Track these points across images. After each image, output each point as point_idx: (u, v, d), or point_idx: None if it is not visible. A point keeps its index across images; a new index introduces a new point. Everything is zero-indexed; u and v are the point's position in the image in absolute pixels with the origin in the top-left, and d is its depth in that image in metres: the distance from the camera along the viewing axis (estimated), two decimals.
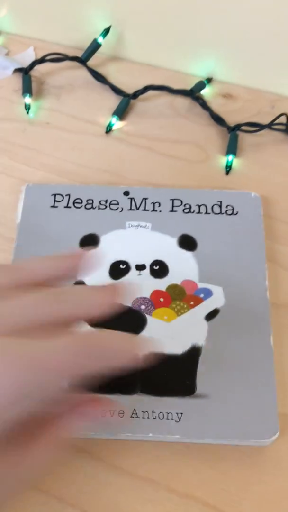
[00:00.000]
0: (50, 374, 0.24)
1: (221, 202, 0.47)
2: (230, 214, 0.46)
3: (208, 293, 0.42)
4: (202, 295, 0.42)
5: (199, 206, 0.47)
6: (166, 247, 0.44)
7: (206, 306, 0.41)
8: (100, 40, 0.56)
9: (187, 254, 0.44)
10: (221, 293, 0.42)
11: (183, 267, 0.43)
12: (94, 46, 0.56)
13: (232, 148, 0.52)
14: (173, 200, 0.47)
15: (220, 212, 0.46)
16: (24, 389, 0.23)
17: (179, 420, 0.37)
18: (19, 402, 0.24)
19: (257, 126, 0.53)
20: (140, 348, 0.27)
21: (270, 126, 0.53)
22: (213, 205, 0.47)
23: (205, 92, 0.57)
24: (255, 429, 0.37)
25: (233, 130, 0.53)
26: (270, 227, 0.48)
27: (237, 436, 0.37)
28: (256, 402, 0.38)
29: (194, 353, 0.39)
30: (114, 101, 0.56)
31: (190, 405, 0.37)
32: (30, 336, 0.25)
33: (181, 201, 0.47)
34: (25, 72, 0.56)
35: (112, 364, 0.26)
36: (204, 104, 0.55)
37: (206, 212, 0.46)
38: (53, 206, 0.46)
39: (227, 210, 0.46)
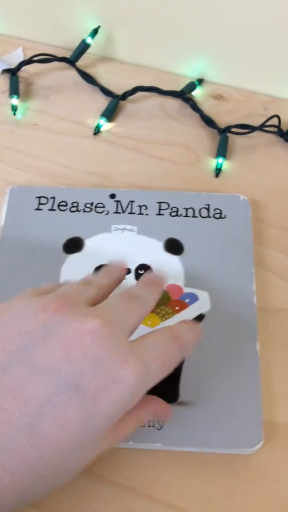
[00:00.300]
0: (165, 369, 0.31)
1: (209, 205, 0.46)
2: (218, 218, 0.45)
3: (193, 298, 0.41)
4: (187, 300, 0.41)
5: (187, 210, 0.46)
6: (152, 251, 0.44)
7: (191, 312, 0.41)
8: (89, 40, 0.55)
9: (174, 258, 0.43)
10: (207, 298, 0.41)
11: (169, 271, 0.42)
12: (83, 47, 0.55)
13: (222, 151, 0.51)
14: (160, 203, 0.46)
15: (208, 216, 0.45)
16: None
17: (161, 428, 0.36)
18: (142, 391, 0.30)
19: (248, 128, 0.52)
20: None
21: (261, 128, 0.52)
22: (201, 208, 0.46)
23: (196, 93, 0.56)
24: (239, 438, 0.36)
25: (224, 132, 0.52)
26: (259, 230, 0.47)
27: (221, 445, 0.36)
28: (241, 410, 0.37)
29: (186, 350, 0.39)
30: (103, 102, 0.55)
31: (172, 413, 0.36)
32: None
33: (168, 204, 0.46)
34: (12, 73, 0.55)
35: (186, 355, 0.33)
36: (194, 106, 0.54)
37: (194, 216, 0.45)
38: (38, 209, 0.46)
39: (215, 214, 0.46)
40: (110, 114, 0.53)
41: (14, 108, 0.53)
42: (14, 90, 0.54)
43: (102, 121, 0.53)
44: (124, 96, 0.54)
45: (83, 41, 0.55)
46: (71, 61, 0.56)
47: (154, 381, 0.30)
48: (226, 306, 0.41)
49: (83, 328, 0.28)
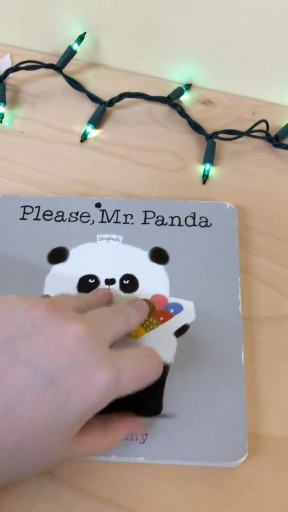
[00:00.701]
0: (138, 383, 0.32)
1: (194, 214, 0.46)
2: (204, 226, 0.45)
3: (178, 308, 0.41)
4: (172, 310, 0.41)
5: (172, 218, 0.45)
6: (137, 261, 0.43)
7: (176, 322, 0.40)
8: (75, 47, 0.55)
9: (159, 267, 0.43)
10: (191, 308, 0.41)
11: (154, 281, 0.42)
12: (69, 53, 0.55)
13: (209, 157, 0.51)
14: (145, 212, 0.46)
15: (194, 224, 0.45)
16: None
17: (144, 441, 0.36)
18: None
19: (235, 134, 0.52)
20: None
21: (248, 133, 0.52)
22: (187, 217, 0.45)
23: (184, 99, 0.56)
24: (224, 451, 0.36)
25: (210, 138, 0.52)
26: (246, 237, 0.47)
27: (205, 458, 0.36)
28: (225, 423, 0.37)
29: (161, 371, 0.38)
30: (91, 108, 0.55)
31: (156, 426, 0.36)
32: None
33: (154, 213, 0.46)
34: None
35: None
36: (182, 111, 0.54)
37: (179, 224, 0.45)
38: (22, 218, 0.45)
39: (200, 222, 0.45)
40: (97, 121, 0.53)
41: (1, 116, 0.53)
42: (0, 97, 0.53)
43: (89, 128, 0.53)
44: (111, 102, 0.54)
45: (70, 48, 0.55)
46: (58, 67, 0.55)
47: (125, 391, 0.32)
48: (211, 316, 0.41)
49: (67, 328, 0.31)
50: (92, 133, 0.53)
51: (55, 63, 0.56)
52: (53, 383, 0.29)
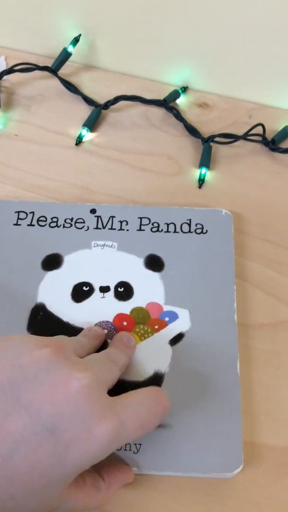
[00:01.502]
0: (142, 431, 0.32)
1: (190, 220, 0.45)
2: (200, 233, 0.44)
3: (173, 317, 0.40)
4: (167, 319, 0.40)
5: (168, 225, 0.45)
6: (132, 268, 0.43)
7: (171, 330, 0.40)
8: (70, 49, 0.54)
9: (154, 275, 0.42)
10: (187, 316, 0.40)
11: (149, 289, 0.42)
12: (64, 55, 0.54)
13: (205, 161, 0.50)
14: (141, 218, 0.45)
15: (189, 231, 0.45)
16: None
17: (138, 451, 0.36)
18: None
19: (231, 137, 0.51)
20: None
21: (245, 137, 0.51)
22: (182, 223, 0.45)
23: (181, 102, 0.55)
24: (219, 462, 0.35)
25: (207, 142, 0.51)
26: (242, 243, 0.46)
27: (199, 469, 0.35)
28: (220, 433, 0.36)
29: (156, 380, 0.38)
30: (86, 111, 0.54)
31: (150, 436, 0.36)
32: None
33: (149, 220, 0.45)
34: None
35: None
36: (178, 115, 0.53)
37: (175, 231, 0.45)
38: (16, 224, 0.45)
39: (196, 229, 0.45)
40: (92, 124, 0.53)
41: None
42: None
43: (84, 131, 0.52)
44: (107, 105, 0.53)
45: (64, 50, 0.54)
46: (53, 70, 0.55)
47: (127, 440, 0.31)
48: (207, 324, 0.40)
49: (74, 375, 0.30)
50: (87, 136, 0.53)
51: (50, 65, 0.55)
52: (53, 433, 0.28)
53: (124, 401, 0.31)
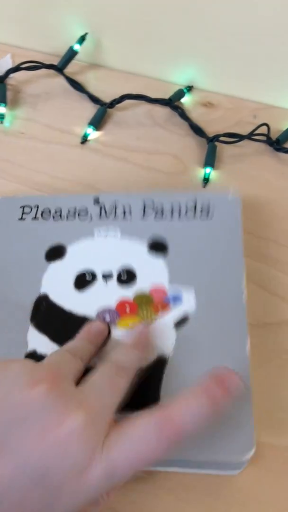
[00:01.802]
0: (140, 466, 0.29)
1: (195, 204, 0.45)
2: (206, 217, 0.44)
3: (177, 300, 0.41)
4: (171, 302, 0.40)
5: (172, 210, 0.45)
6: (135, 253, 0.43)
7: (175, 314, 0.40)
8: (77, 47, 0.55)
9: (158, 259, 0.43)
10: (192, 298, 0.40)
11: (153, 273, 0.42)
12: (70, 54, 0.55)
13: (209, 160, 0.50)
14: (144, 203, 0.45)
15: (194, 216, 0.44)
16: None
17: None
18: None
19: (236, 137, 0.52)
20: None
21: (250, 137, 0.52)
22: (187, 207, 0.45)
23: (185, 101, 0.56)
24: (228, 448, 0.34)
25: (211, 141, 0.51)
26: (246, 242, 0.46)
27: (206, 466, 0.35)
28: (230, 418, 0.35)
29: (159, 365, 0.38)
30: (92, 110, 0.54)
31: None
32: None
33: (153, 204, 0.45)
34: (0, 80, 0.54)
35: None
36: (183, 114, 0.54)
37: (179, 216, 0.45)
38: (21, 219, 0.45)
39: (201, 213, 0.44)
40: (97, 122, 0.53)
41: (1, 117, 0.53)
42: (1, 98, 0.53)
43: (90, 130, 0.52)
44: (112, 104, 0.53)
45: (71, 48, 0.55)
46: (59, 68, 0.55)
47: (124, 478, 0.29)
48: (214, 306, 0.40)
49: (66, 415, 0.28)
50: (93, 134, 0.53)
51: (56, 63, 0.55)
52: (42, 478, 0.27)
53: (120, 436, 0.29)
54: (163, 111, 0.55)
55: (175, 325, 0.39)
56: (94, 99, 0.54)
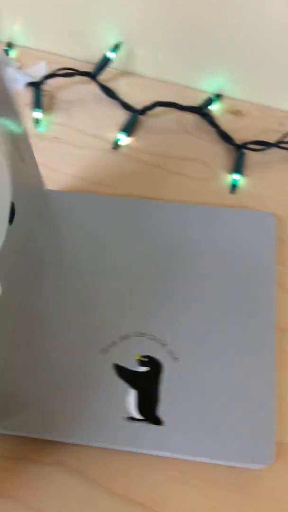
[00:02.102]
0: None
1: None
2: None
3: None
4: None
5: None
6: None
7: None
8: (111, 55, 0.56)
9: None
10: None
11: None
12: (105, 62, 0.56)
13: (238, 167, 0.52)
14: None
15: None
16: None
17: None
18: None
19: (264, 145, 0.53)
20: None
21: (277, 145, 0.53)
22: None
23: (214, 108, 0.57)
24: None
25: (240, 148, 0.53)
26: (278, 250, 0.48)
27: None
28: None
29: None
30: (123, 116, 0.56)
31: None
32: None
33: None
34: (36, 86, 0.56)
35: None
36: (212, 121, 0.55)
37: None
38: None
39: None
40: (129, 129, 0.55)
41: (37, 122, 0.55)
42: (37, 103, 0.55)
43: (122, 136, 0.54)
44: (144, 111, 0.55)
45: (105, 56, 0.56)
46: (93, 75, 0.57)
47: None
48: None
49: None
50: (124, 140, 0.55)
51: (87, 69, 0.57)
52: None
53: None
54: (192, 118, 0.56)
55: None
56: (126, 106, 0.56)
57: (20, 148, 0.41)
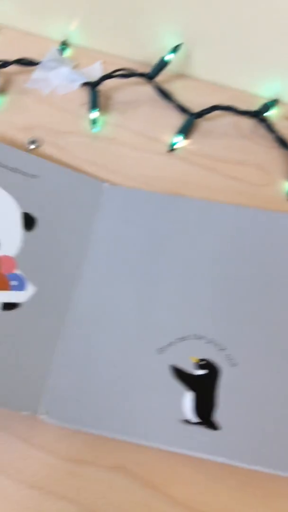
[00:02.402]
0: None
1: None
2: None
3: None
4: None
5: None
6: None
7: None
8: (169, 57, 0.56)
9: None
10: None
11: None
12: (163, 64, 0.56)
13: None
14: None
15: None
16: None
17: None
18: None
19: None
20: None
21: None
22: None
23: (271, 114, 0.57)
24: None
25: None
26: None
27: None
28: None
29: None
30: (177, 118, 0.56)
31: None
32: None
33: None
34: (93, 86, 0.56)
35: None
36: (269, 126, 0.54)
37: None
38: None
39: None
40: (186, 131, 0.54)
41: (94, 122, 0.55)
42: (94, 103, 0.55)
43: (178, 139, 0.54)
44: (201, 114, 0.55)
45: (163, 59, 0.56)
46: (150, 77, 0.56)
47: None
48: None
49: None
50: (180, 143, 0.54)
51: (142, 70, 0.57)
52: None
53: None
54: (249, 123, 0.56)
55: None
56: (182, 109, 0.56)
57: None
